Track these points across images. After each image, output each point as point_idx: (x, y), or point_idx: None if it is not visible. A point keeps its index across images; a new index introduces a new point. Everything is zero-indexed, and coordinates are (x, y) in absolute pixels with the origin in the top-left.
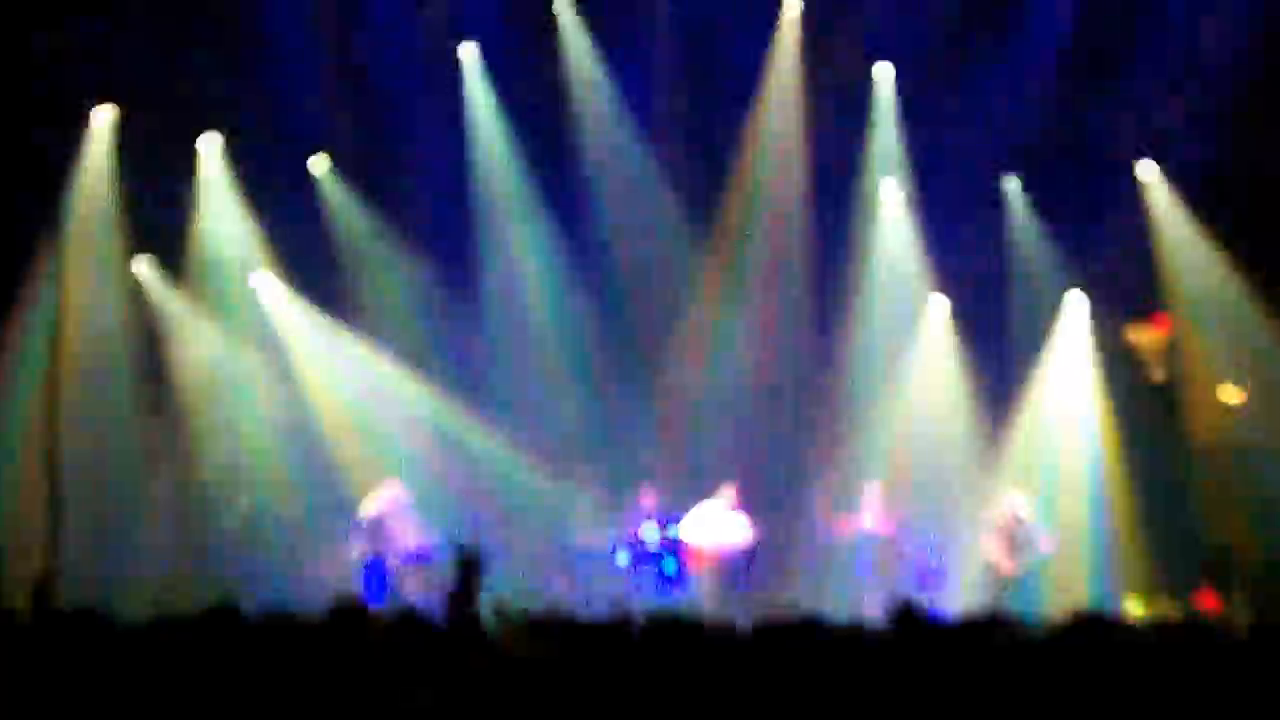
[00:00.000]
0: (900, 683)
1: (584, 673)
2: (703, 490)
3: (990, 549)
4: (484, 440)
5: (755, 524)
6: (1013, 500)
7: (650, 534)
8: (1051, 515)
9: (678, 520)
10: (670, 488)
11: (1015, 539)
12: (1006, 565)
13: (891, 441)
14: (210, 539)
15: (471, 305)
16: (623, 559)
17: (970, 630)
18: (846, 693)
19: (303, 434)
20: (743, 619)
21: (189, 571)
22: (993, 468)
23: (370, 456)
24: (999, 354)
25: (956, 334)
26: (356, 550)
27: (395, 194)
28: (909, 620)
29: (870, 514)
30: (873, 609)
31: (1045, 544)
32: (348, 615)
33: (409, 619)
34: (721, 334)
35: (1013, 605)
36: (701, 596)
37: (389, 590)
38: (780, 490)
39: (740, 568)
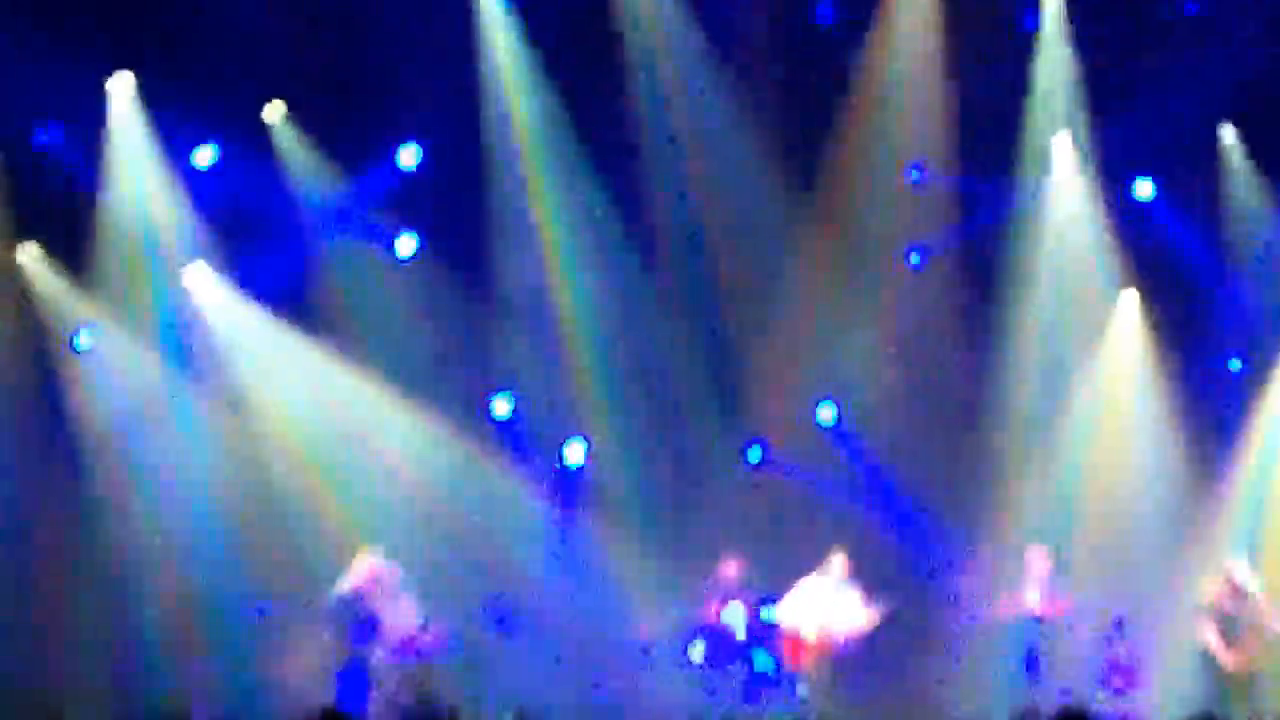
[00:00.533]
0: None
1: None
2: (806, 559)
3: (1205, 635)
4: (504, 492)
5: (877, 604)
6: (1234, 568)
7: (736, 618)
8: None
9: (773, 600)
10: (762, 556)
11: (1238, 621)
12: (1228, 658)
13: (1066, 491)
14: (133, 633)
15: (486, 308)
16: (698, 653)
17: None
18: None
19: (255, 487)
20: None
21: (108, 679)
22: (1204, 525)
23: (347, 516)
24: (1211, 369)
25: (1154, 342)
26: (327, 645)
27: (378, 155)
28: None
29: (1035, 590)
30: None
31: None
32: None
33: None
34: (830, 347)
35: (1236, 713)
36: (806, 702)
37: (372, 699)
38: (911, 559)
39: (857, 663)
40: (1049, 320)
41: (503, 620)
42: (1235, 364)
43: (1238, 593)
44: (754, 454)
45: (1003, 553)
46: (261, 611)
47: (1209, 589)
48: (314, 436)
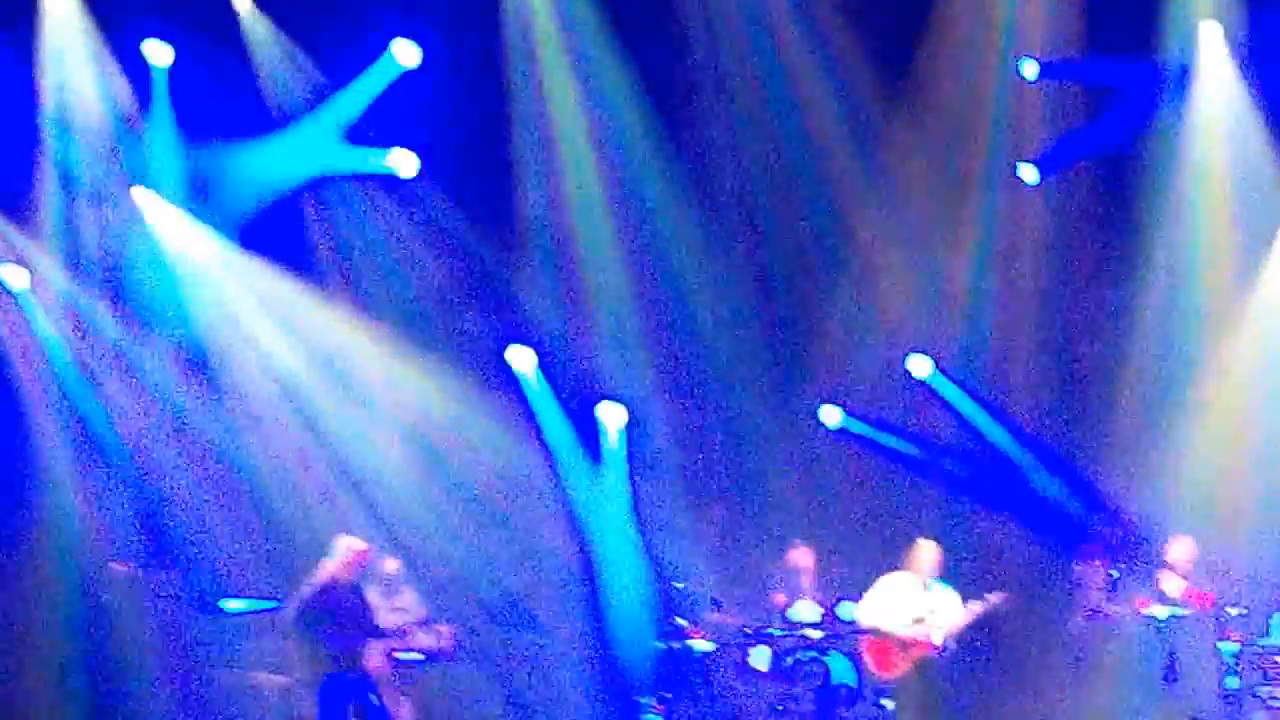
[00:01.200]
0: None
1: None
2: (893, 547)
3: None
4: (526, 464)
5: (977, 600)
6: None
7: (808, 616)
8: None
9: (853, 597)
10: (838, 545)
11: None
12: None
13: (1212, 467)
14: (66, 626)
15: (501, 242)
16: (761, 658)
17: None
18: None
19: (217, 453)
20: None
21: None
22: None
23: (333, 492)
24: None
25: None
26: (304, 648)
27: (370, 54)
28: None
29: (1174, 581)
30: None
31: None
32: None
33: None
34: (925, 287)
35: None
36: (891, 717)
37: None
38: (1018, 548)
39: (952, 672)
40: (1195, 258)
41: (526, 617)
42: None
43: None
44: (830, 417)
45: (1133, 541)
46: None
47: None
48: (293, 394)
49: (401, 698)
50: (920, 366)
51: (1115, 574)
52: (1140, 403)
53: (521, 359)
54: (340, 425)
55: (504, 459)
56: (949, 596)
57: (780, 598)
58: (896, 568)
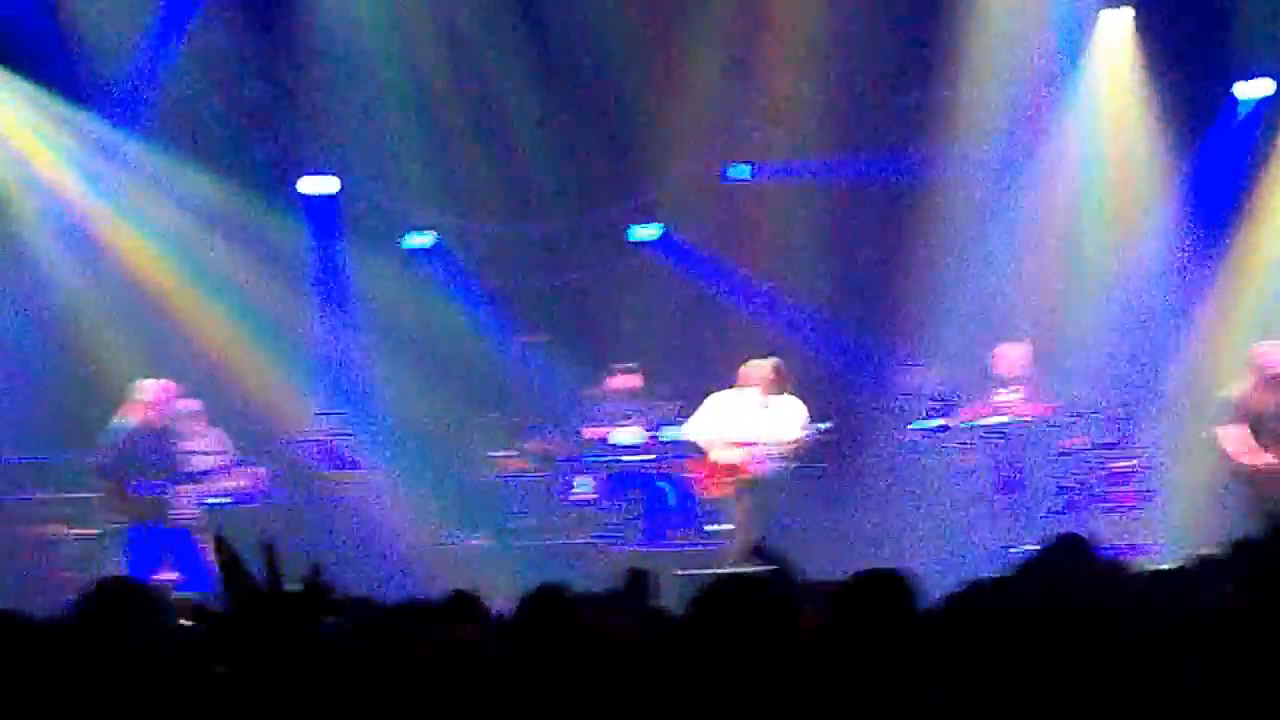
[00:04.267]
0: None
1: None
2: (719, 367)
3: (1228, 436)
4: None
5: (809, 417)
6: (1263, 354)
7: (631, 439)
8: None
9: (679, 419)
10: (663, 364)
11: (1269, 417)
12: (1258, 461)
13: (1044, 263)
14: None
15: (292, 60)
16: (585, 486)
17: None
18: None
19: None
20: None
21: None
22: (1218, 302)
23: (123, 340)
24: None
25: (1150, 68)
26: (109, 498)
27: None
28: (1077, 561)
29: (1011, 387)
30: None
31: None
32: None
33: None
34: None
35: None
36: (723, 539)
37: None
38: (854, 358)
39: (785, 490)
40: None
41: (335, 455)
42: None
43: (1270, 383)
44: (647, 233)
45: (968, 344)
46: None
47: (1234, 382)
48: (76, 235)
49: (212, 540)
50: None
51: (948, 386)
52: (960, 203)
53: (317, 187)
54: (128, 265)
55: (303, 296)
56: (790, 410)
57: (602, 426)
58: (726, 387)
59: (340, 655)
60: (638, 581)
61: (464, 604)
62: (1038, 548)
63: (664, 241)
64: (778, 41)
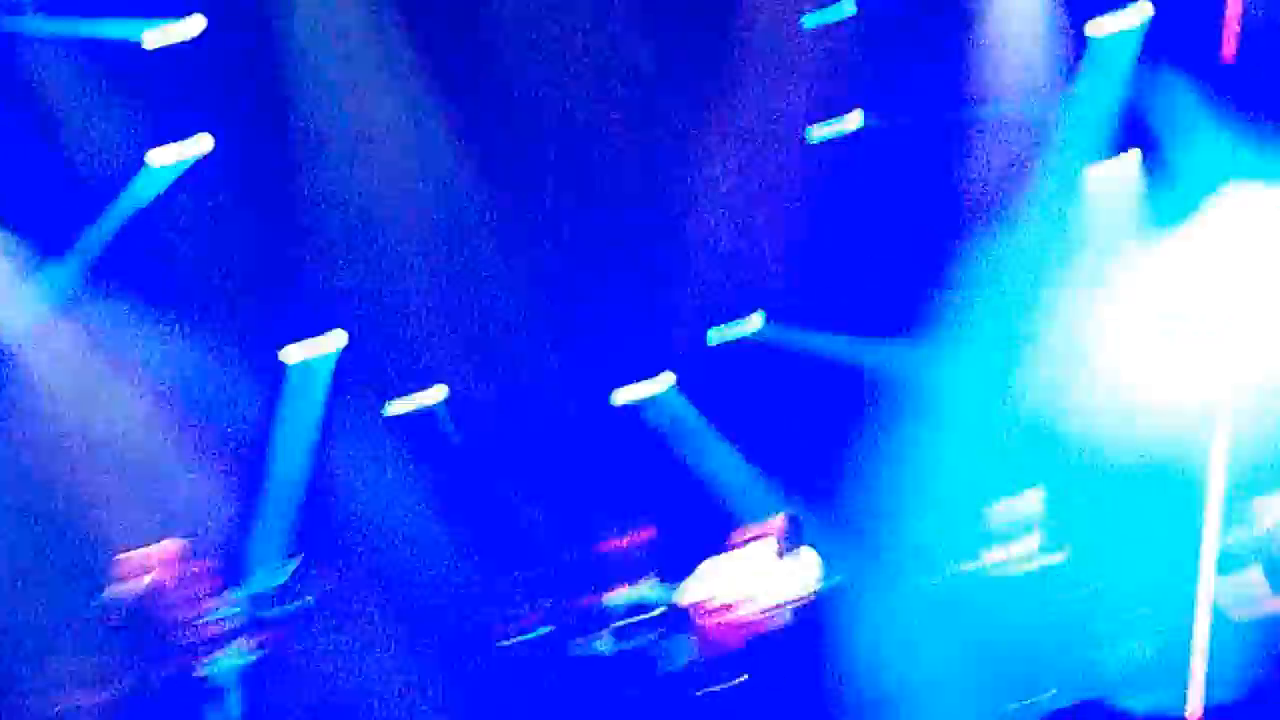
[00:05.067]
0: None
1: None
2: (732, 524)
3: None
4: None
5: (820, 569)
6: None
7: (648, 597)
8: None
9: (679, 579)
10: (676, 526)
11: None
12: None
13: None
14: None
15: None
16: (604, 643)
17: None
18: None
19: None
20: None
21: None
22: None
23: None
24: None
25: None
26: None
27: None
28: None
29: None
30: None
31: None
32: None
33: None
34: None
35: None
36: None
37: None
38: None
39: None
40: None
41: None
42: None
43: None
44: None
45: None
46: None
47: None
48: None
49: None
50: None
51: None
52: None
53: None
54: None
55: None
56: (805, 562)
57: (616, 586)
58: (739, 544)
59: None
60: None
61: None
62: None
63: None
64: None
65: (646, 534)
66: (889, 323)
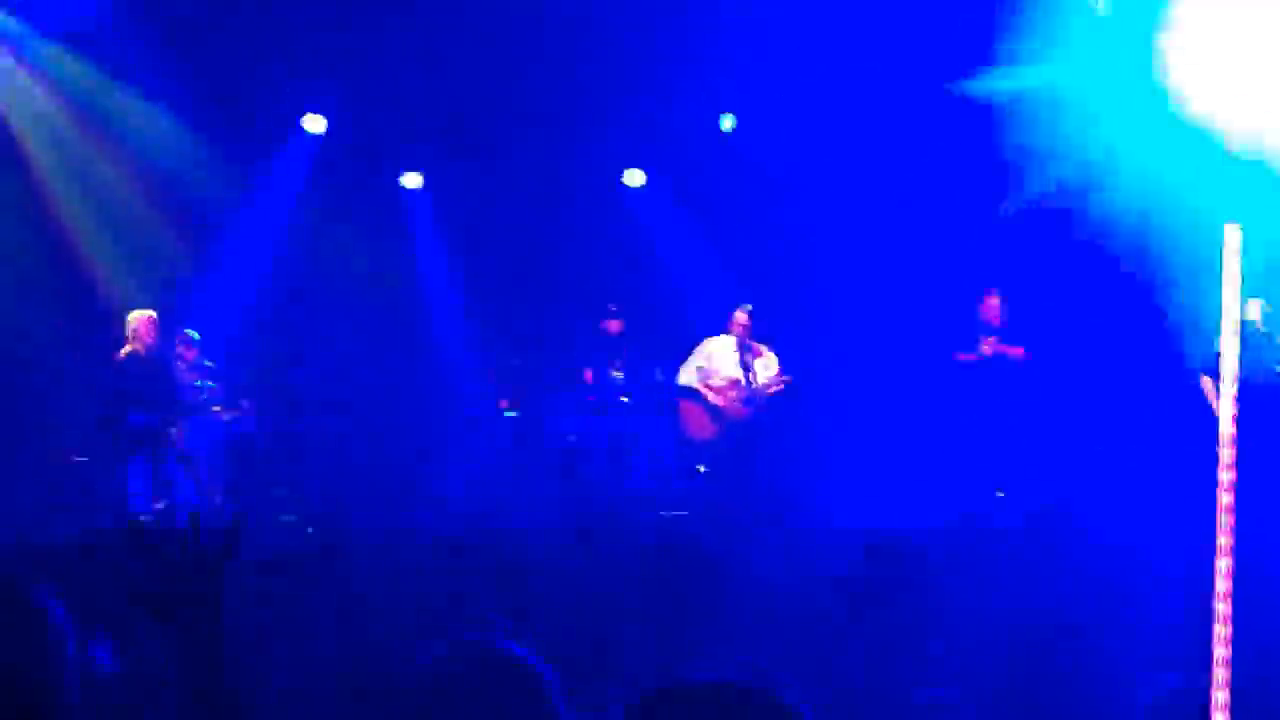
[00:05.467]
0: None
1: None
2: (708, 315)
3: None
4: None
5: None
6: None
7: (620, 380)
8: None
9: (668, 361)
10: (654, 310)
11: None
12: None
13: None
14: None
15: None
16: (573, 427)
17: None
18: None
19: None
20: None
21: None
22: None
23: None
24: None
25: None
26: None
27: None
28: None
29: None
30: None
31: None
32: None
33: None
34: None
35: None
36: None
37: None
38: (839, 299)
39: (761, 433)
40: None
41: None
42: None
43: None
44: (634, 179)
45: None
46: None
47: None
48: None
49: (208, 472)
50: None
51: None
52: None
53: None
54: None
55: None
56: (767, 358)
57: (594, 368)
58: (718, 332)
59: None
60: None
61: None
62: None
63: (651, 188)
64: None
65: (618, 321)
66: None
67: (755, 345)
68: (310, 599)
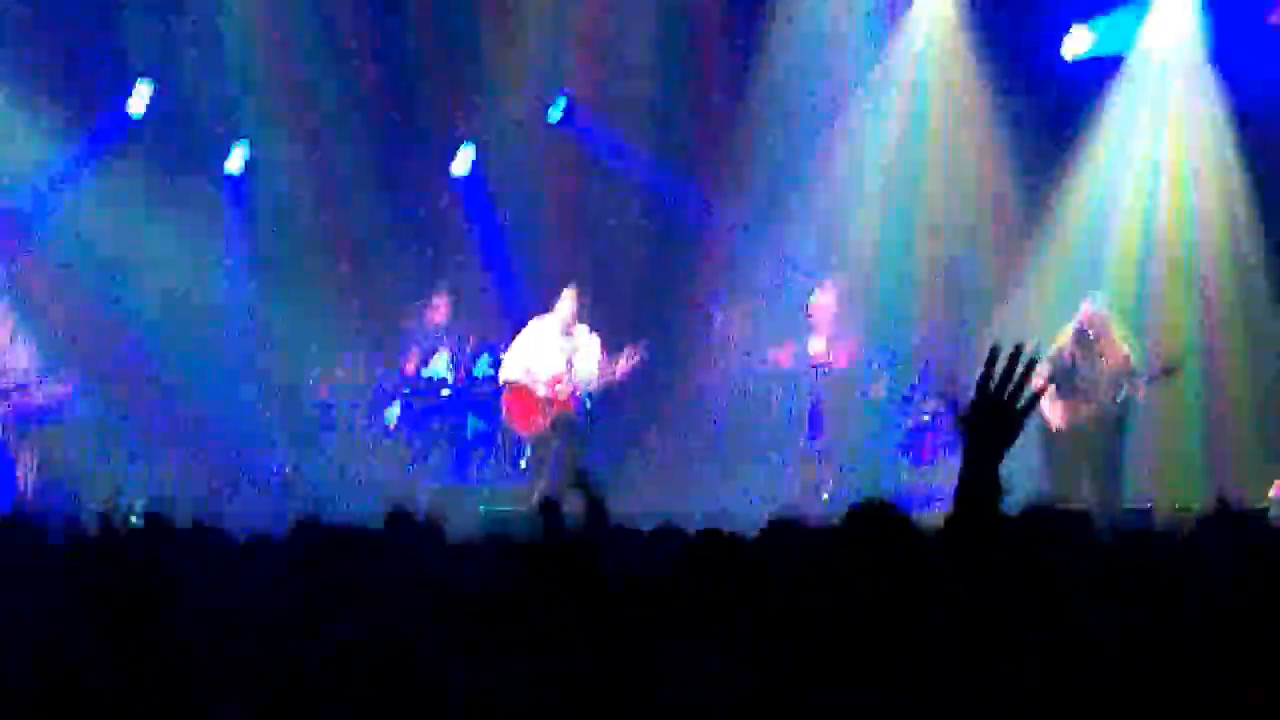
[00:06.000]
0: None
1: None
2: (530, 299)
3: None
4: (145, 209)
5: (624, 352)
6: (1090, 312)
7: (442, 370)
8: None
9: (491, 350)
10: (476, 295)
11: (1080, 376)
12: (1059, 417)
13: (859, 211)
14: None
15: None
16: (393, 415)
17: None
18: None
19: None
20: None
21: None
22: (1039, 252)
23: None
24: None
25: (974, 25)
26: None
27: None
28: (881, 521)
29: (820, 335)
30: (820, 491)
31: (1137, 386)
32: None
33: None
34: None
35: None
36: (530, 476)
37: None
38: (662, 296)
39: (595, 426)
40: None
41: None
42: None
43: (1086, 340)
44: (461, 165)
45: (779, 290)
46: None
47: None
48: None
49: (21, 455)
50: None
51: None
52: (779, 143)
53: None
54: None
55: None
56: (591, 343)
57: (415, 357)
58: (540, 315)
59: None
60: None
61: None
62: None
63: (475, 174)
64: None
65: (444, 307)
66: None
67: (575, 330)
68: None
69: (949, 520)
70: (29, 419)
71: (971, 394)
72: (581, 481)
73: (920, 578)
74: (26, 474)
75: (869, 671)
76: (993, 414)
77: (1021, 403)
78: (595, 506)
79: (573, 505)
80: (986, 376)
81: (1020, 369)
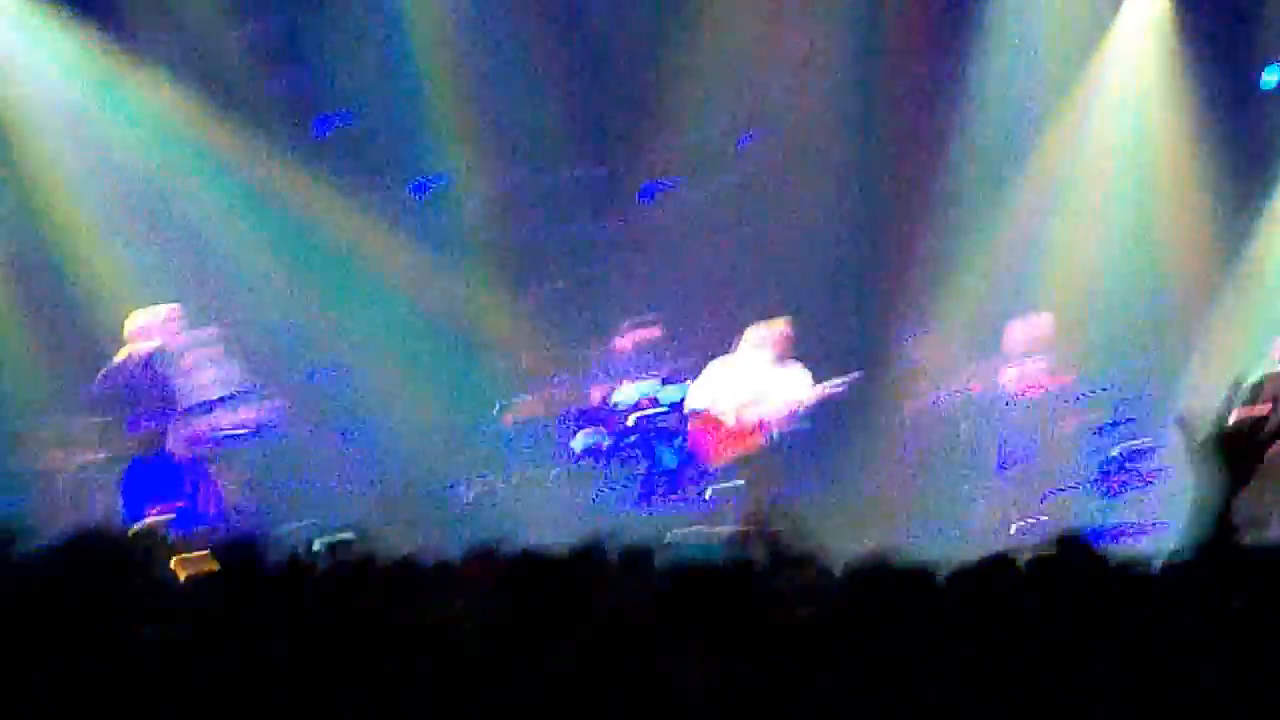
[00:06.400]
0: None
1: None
2: (729, 328)
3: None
4: (343, 229)
5: (820, 382)
6: None
7: (632, 398)
8: None
9: (682, 379)
10: (671, 322)
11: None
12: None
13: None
14: None
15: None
16: (582, 443)
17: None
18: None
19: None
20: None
21: None
22: (1239, 296)
23: (131, 265)
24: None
25: (1181, 44)
26: (104, 433)
27: None
28: (1076, 554)
29: (1020, 365)
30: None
31: None
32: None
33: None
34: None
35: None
36: (724, 508)
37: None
38: (863, 326)
39: (789, 456)
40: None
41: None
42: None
43: None
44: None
45: (975, 318)
46: None
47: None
48: (84, 164)
49: (223, 477)
50: None
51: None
52: (972, 180)
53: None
54: (140, 190)
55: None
56: (797, 376)
57: (604, 378)
58: (730, 351)
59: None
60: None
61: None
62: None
63: (677, 198)
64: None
65: (649, 332)
66: None
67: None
68: None
69: (1178, 553)
70: (227, 439)
71: (1210, 426)
72: (763, 524)
73: (1117, 612)
74: (226, 495)
75: (1078, 709)
76: (1233, 447)
77: (1263, 436)
78: (778, 549)
79: (755, 550)
80: (1228, 410)
81: (1263, 403)
